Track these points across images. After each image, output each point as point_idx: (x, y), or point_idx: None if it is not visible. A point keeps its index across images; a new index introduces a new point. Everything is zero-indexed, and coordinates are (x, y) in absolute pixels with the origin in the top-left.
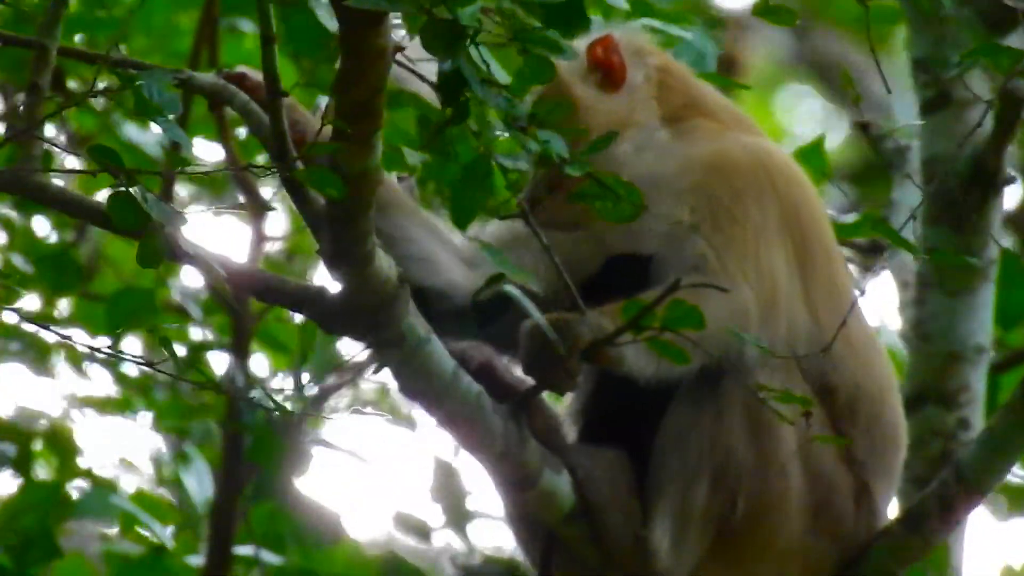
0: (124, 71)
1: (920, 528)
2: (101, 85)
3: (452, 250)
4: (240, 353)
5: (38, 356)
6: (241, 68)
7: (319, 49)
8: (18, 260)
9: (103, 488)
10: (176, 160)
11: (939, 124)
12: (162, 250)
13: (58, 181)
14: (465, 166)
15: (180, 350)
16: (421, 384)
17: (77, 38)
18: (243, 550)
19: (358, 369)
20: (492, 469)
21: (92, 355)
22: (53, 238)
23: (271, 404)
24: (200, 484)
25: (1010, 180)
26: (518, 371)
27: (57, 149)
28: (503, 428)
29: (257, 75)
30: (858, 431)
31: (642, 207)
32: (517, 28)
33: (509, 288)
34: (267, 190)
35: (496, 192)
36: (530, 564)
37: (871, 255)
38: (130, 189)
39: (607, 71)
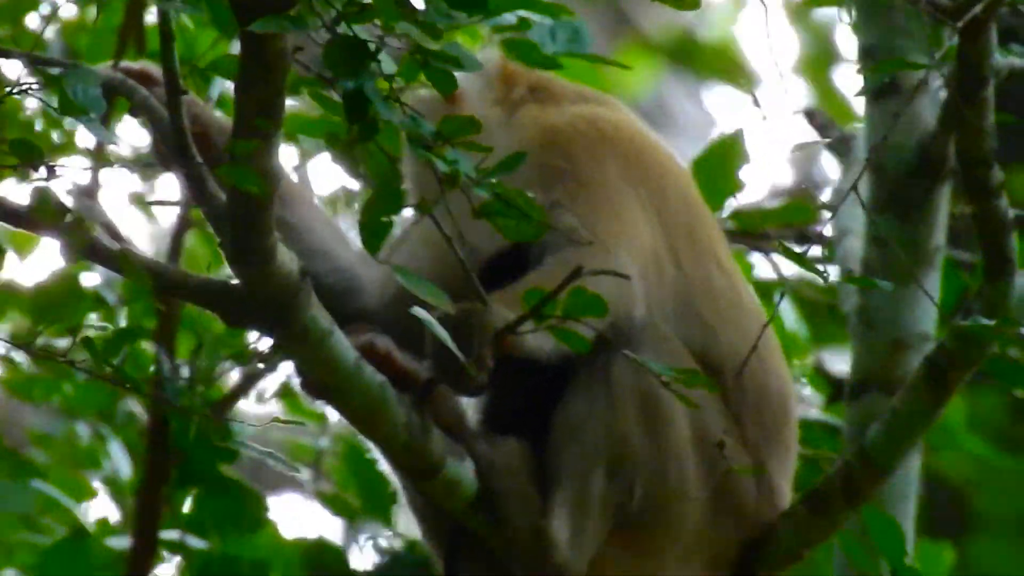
0: (45, 69)
1: (825, 510)
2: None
3: (350, 244)
4: (165, 340)
5: None
6: (142, 63)
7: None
8: None
9: (23, 472)
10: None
11: (887, 112)
12: (84, 244)
13: None
14: (374, 188)
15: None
16: (325, 376)
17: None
18: (168, 535)
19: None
20: (395, 460)
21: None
22: None
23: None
24: (119, 466)
25: (956, 170)
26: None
27: None
28: (406, 418)
29: (158, 70)
30: (748, 408)
31: (547, 225)
32: (417, 44)
33: (417, 311)
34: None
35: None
36: (435, 556)
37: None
38: (50, 183)
39: None
